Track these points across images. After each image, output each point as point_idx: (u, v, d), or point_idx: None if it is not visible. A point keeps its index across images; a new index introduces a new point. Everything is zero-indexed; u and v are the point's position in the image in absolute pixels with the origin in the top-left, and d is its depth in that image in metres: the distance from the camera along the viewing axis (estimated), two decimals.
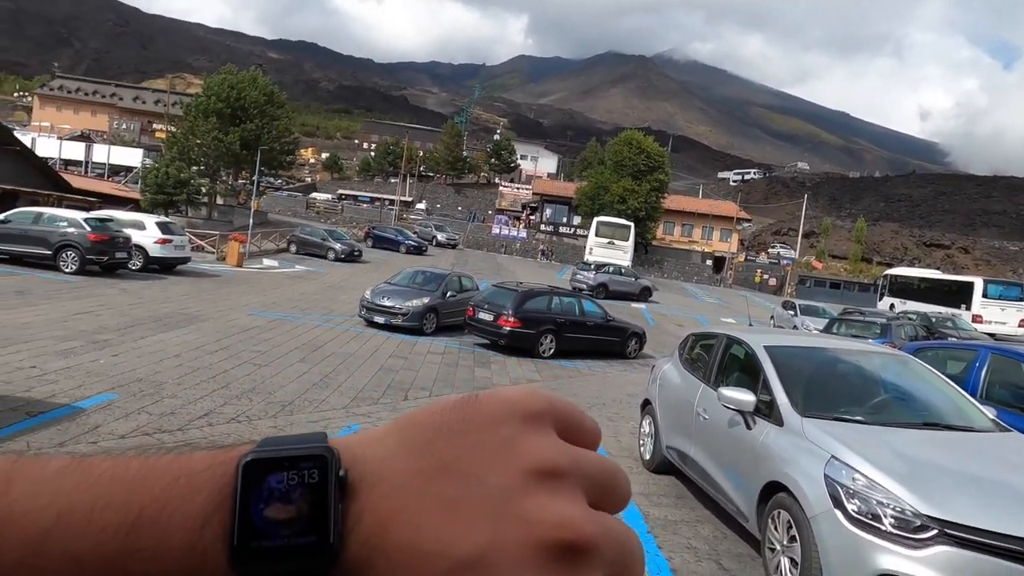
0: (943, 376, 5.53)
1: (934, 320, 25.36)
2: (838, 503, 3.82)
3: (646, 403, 7.03)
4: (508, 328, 14.09)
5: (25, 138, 52.05)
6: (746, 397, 4.64)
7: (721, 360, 5.64)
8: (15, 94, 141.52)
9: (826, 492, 3.88)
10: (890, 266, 67.78)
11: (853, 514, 3.74)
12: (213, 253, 28.57)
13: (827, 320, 23.93)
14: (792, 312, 25.11)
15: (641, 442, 7.03)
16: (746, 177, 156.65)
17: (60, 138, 68.39)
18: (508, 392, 0.40)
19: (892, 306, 41.80)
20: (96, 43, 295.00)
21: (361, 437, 0.40)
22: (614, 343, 15.82)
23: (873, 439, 4.28)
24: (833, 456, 4.02)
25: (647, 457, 6.78)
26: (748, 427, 4.68)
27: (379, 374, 10.59)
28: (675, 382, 6.34)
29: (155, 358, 9.55)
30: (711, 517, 5.61)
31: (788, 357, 4.97)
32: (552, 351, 14.57)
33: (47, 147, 56.92)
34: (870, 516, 3.69)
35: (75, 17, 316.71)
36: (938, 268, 66.03)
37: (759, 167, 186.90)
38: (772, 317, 27.30)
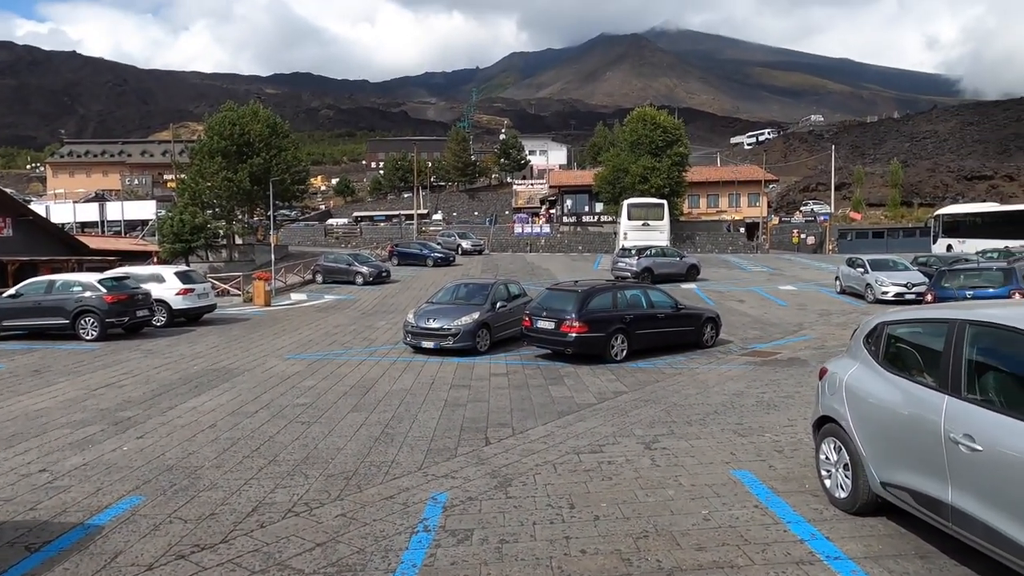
0: None
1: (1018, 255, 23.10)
2: None
3: (824, 421, 5.25)
4: (574, 334, 12.50)
5: (40, 207, 51.78)
6: None
7: (968, 357, 3.90)
8: (28, 167, 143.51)
9: None
10: (932, 207, 64.53)
11: None
12: (239, 295, 27.41)
13: (903, 274, 21.88)
14: (861, 269, 22.96)
15: (825, 472, 5.28)
16: (761, 138, 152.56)
17: (74, 202, 68.27)
18: None
19: (949, 247, 39.24)
20: (98, 105, 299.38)
21: None
22: (689, 332, 14.25)
23: None
24: None
25: (841, 495, 5.02)
26: None
27: (446, 412, 9.03)
28: (883, 394, 4.55)
29: (187, 433, 8.10)
30: None
31: None
32: (625, 352, 12.95)
33: (62, 212, 56.49)
34: None
35: (75, 84, 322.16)
36: (983, 200, 62.64)
37: (771, 126, 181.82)
38: (837, 279, 25.17)
